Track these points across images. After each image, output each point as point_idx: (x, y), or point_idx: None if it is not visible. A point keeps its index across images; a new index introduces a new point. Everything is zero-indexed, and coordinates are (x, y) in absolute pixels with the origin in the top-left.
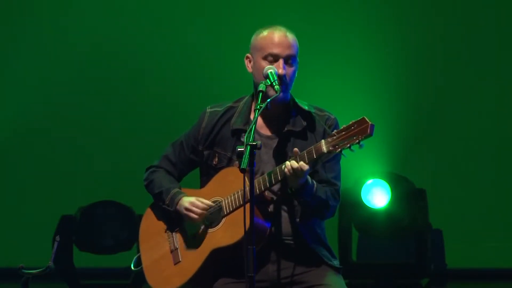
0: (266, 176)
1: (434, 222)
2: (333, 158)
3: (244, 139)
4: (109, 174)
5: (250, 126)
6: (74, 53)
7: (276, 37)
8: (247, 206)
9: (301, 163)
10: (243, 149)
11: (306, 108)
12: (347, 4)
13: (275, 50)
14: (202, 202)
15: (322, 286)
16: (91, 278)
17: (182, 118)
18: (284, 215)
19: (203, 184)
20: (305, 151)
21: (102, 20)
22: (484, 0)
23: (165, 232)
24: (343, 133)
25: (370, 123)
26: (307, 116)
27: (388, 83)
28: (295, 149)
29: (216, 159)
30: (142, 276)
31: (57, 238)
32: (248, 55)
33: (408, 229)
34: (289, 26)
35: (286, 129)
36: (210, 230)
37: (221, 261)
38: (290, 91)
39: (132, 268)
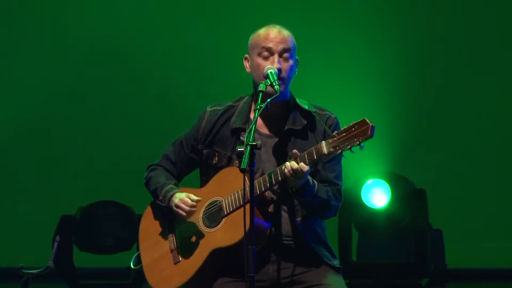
0: (266, 177)
1: (434, 222)
2: (334, 158)
3: (244, 138)
4: (109, 174)
5: (250, 126)
6: (74, 53)
7: (270, 32)
8: (247, 206)
9: (301, 164)
10: (243, 149)
11: (306, 107)
12: (347, 4)
13: (269, 44)
14: (191, 199)
15: (322, 286)
16: (91, 278)
17: (182, 118)
18: (284, 215)
19: (203, 183)
20: (305, 152)
21: (102, 20)
22: (484, 0)
23: (165, 231)
24: (344, 134)
25: (371, 124)
26: (307, 115)
27: (388, 83)
28: (294, 150)
29: (216, 158)
30: (142, 276)
31: (57, 238)
32: (246, 56)
33: (408, 229)
34: (289, 26)
35: (286, 127)
36: (210, 230)
37: (221, 261)
38: (289, 88)
39: (132, 266)
